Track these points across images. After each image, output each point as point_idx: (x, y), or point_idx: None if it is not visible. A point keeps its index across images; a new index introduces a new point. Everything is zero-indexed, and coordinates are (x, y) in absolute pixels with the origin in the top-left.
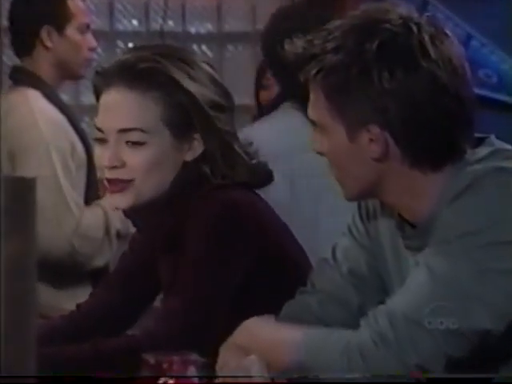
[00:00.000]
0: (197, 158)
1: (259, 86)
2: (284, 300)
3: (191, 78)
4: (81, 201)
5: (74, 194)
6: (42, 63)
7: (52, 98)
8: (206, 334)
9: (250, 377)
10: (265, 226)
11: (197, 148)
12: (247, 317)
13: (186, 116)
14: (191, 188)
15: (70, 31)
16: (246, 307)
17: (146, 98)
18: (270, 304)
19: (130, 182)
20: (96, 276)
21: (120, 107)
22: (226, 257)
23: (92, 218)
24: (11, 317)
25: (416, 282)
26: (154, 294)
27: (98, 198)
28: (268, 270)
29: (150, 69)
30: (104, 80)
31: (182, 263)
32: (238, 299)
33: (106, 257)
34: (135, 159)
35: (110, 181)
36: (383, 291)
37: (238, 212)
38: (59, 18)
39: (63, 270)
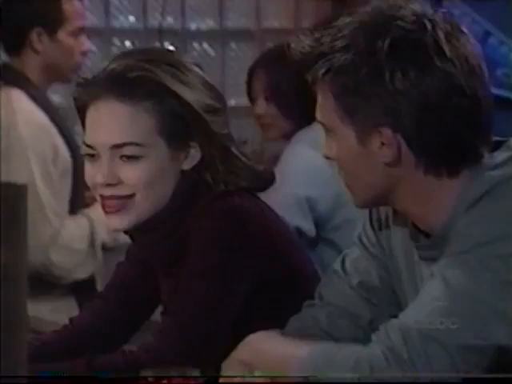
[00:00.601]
0: (195, 166)
1: (250, 98)
2: (290, 314)
3: (182, 82)
4: (63, 209)
5: (53, 203)
6: (31, 65)
7: (38, 99)
8: (208, 349)
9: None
10: (270, 235)
11: (194, 156)
12: (251, 331)
13: (180, 124)
14: (192, 198)
15: (63, 35)
16: (249, 321)
17: (138, 109)
18: (276, 318)
19: (129, 197)
20: (80, 288)
21: (111, 121)
22: (228, 269)
23: (75, 228)
24: (1, 327)
25: (431, 294)
26: (153, 306)
27: (85, 206)
28: (274, 282)
29: (139, 78)
30: (89, 92)
31: (183, 276)
32: (241, 312)
33: (90, 269)
34: (132, 175)
35: (105, 199)
36: (396, 304)
37: (241, 221)
38: (52, 21)
39: (41, 282)
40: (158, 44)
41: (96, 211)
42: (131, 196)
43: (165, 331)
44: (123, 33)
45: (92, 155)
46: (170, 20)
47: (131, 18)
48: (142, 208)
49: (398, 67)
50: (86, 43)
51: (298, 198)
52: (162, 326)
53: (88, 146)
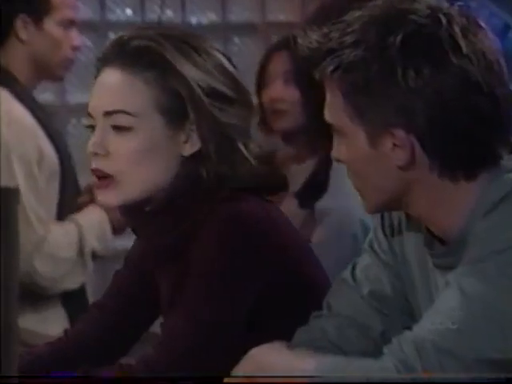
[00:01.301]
0: (194, 154)
1: (260, 82)
2: (299, 324)
3: (192, 62)
4: (49, 215)
5: (37, 208)
6: (16, 57)
7: (23, 98)
8: (210, 362)
9: None
10: (280, 243)
11: (195, 141)
12: (257, 343)
13: (180, 103)
14: (194, 190)
15: (50, 24)
16: (255, 332)
17: (137, 78)
18: (283, 329)
19: (116, 174)
20: (69, 298)
21: (108, 88)
22: (234, 276)
23: (62, 235)
24: None
25: (446, 305)
26: (153, 317)
27: (74, 211)
28: (281, 290)
29: (142, 47)
30: (101, 62)
31: (185, 282)
32: (247, 323)
33: (79, 279)
34: (121, 146)
35: (94, 171)
36: (409, 315)
37: (249, 227)
38: (37, 8)
39: (28, 292)
40: None
41: (85, 217)
42: (117, 174)
43: (164, 341)
44: (120, 27)
45: (92, 126)
46: (169, 13)
47: (128, 11)
48: (130, 186)
49: (410, 64)
50: (78, 38)
51: (353, 217)
52: (161, 336)
53: (88, 114)
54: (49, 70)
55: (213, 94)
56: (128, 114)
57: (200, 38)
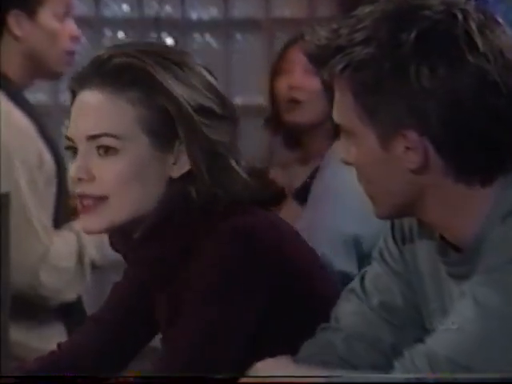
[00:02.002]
0: (183, 175)
1: (276, 69)
2: (305, 338)
3: (177, 78)
4: (49, 223)
5: (42, 216)
6: (11, 56)
7: (17, 99)
8: (212, 378)
9: None
10: (286, 256)
11: (184, 162)
12: (262, 357)
13: (168, 122)
14: (178, 211)
15: (45, 17)
16: (259, 346)
17: (120, 98)
18: (289, 342)
19: (102, 199)
20: (67, 312)
21: (89, 111)
22: (238, 293)
23: (62, 244)
24: None
25: (461, 317)
26: (153, 331)
27: (69, 219)
28: (288, 303)
29: (124, 65)
30: (79, 83)
31: (185, 304)
32: (251, 338)
33: (77, 290)
34: (107, 171)
35: (78, 197)
36: (421, 327)
37: (252, 242)
38: (30, 1)
39: (26, 304)
40: (154, 35)
41: None
42: (103, 198)
43: (164, 359)
44: (116, 23)
45: (73, 150)
46: (168, 8)
47: (125, 7)
48: (116, 210)
49: (424, 62)
50: (75, 28)
51: (345, 237)
52: (162, 353)
53: (68, 138)
54: (47, 67)
55: (201, 110)
56: (113, 136)
57: (181, 52)
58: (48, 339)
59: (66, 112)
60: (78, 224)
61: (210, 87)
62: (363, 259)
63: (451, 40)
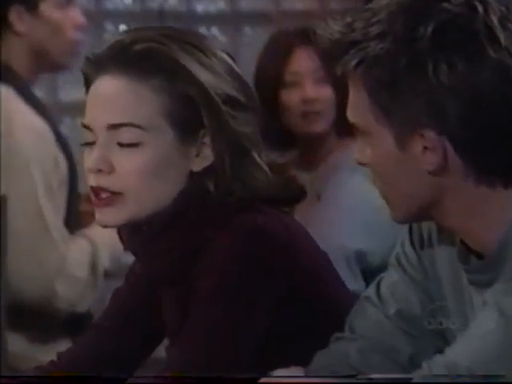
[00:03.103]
0: (204, 168)
1: (278, 82)
2: (318, 348)
3: (201, 64)
4: (64, 229)
5: (59, 223)
6: (15, 52)
7: (27, 96)
8: (227, 378)
9: None
10: (299, 260)
11: (207, 155)
12: (272, 367)
13: (193, 112)
14: (194, 206)
15: (46, 8)
16: (270, 355)
17: (144, 86)
18: (301, 353)
19: (119, 194)
20: (75, 325)
21: (111, 98)
22: (249, 295)
23: (78, 252)
24: None
25: (483, 327)
26: (157, 339)
27: (80, 223)
28: (300, 311)
29: (149, 50)
30: (95, 67)
31: (193, 303)
32: (261, 346)
33: (89, 301)
34: (128, 163)
35: (94, 190)
36: (441, 337)
37: (264, 243)
38: None
39: (39, 317)
40: None
41: (97, 232)
42: (122, 191)
43: (171, 368)
44: (117, 16)
45: (90, 139)
46: (172, 0)
47: None
48: (135, 204)
49: (443, 57)
50: (79, 16)
51: (348, 253)
52: (169, 361)
53: (85, 126)
54: (53, 59)
55: (227, 100)
56: (136, 127)
57: (201, 36)
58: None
59: (65, 109)
60: (91, 230)
61: (234, 74)
62: (371, 274)
63: (471, 34)
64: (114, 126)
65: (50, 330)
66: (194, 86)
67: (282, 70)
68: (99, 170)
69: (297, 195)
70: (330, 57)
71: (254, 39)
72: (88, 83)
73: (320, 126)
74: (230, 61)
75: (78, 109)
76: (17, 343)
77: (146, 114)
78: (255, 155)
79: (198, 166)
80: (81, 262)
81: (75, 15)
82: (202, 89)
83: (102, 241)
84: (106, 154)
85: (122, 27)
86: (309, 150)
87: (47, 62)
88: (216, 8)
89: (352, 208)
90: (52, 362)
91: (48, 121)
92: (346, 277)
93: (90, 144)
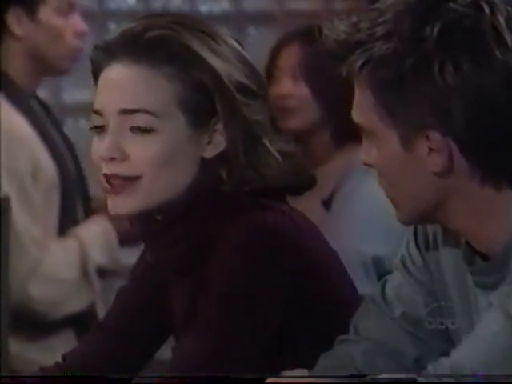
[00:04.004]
0: (216, 155)
1: (268, 78)
2: (323, 350)
3: (213, 51)
4: (48, 232)
5: (32, 228)
6: (13, 58)
7: (17, 101)
8: (236, 378)
9: None
10: (308, 260)
11: (219, 142)
12: (275, 369)
13: (206, 99)
14: (206, 195)
15: (46, 14)
16: (276, 356)
17: (157, 73)
18: (305, 355)
19: (134, 179)
20: (79, 323)
21: (123, 84)
22: (256, 292)
23: (61, 253)
24: None
25: (489, 329)
26: (161, 338)
27: (77, 224)
28: (306, 311)
29: (161, 37)
30: (105, 54)
31: (202, 300)
32: (268, 346)
33: (84, 300)
34: (142, 150)
35: (108, 177)
36: (446, 340)
37: (277, 239)
38: None
39: (24, 320)
40: None
41: (87, 229)
42: (137, 178)
43: (177, 367)
44: (120, 16)
45: (100, 127)
46: (175, 1)
47: None
48: (149, 192)
49: (449, 58)
50: (81, 22)
51: (365, 259)
52: (175, 360)
53: (95, 112)
54: (52, 65)
55: (240, 88)
56: (150, 113)
57: (213, 25)
58: (53, 351)
59: (68, 111)
60: (81, 229)
61: (244, 61)
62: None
63: (477, 35)
64: (126, 111)
65: (46, 330)
66: (207, 73)
67: (271, 65)
68: (113, 159)
69: (307, 182)
70: (336, 57)
71: (258, 39)
72: (96, 71)
73: (294, 122)
74: (239, 48)
75: (82, 110)
76: (11, 344)
77: (158, 100)
78: (267, 143)
79: (209, 152)
80: (66, 263)
81: (76, 22)
82: (216, 76)
83: (93, 237)
84: (119, 141)
85: None
86: (301, 149)
87: (45, 67)
88: (220, 8)
89: (367, 214)
90: (57, 363)
91: (38, 126)
92: (363, 283)
93: (100, 128)
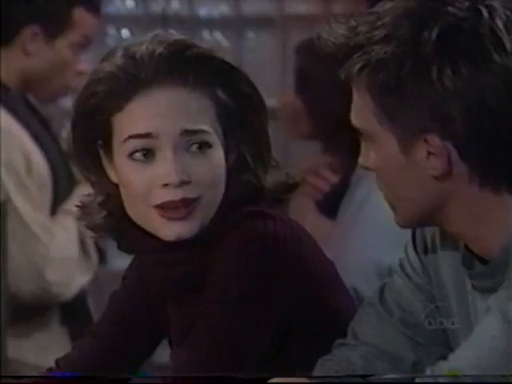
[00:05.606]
0: (232, 163)
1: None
2: (321, 354)
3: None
4: (46, 221)
5: (37, 216)
6: (13, 66)
7: (7, 103)
8: (236, 379)
9: None
10: (307, 267)
11: (232, 150)
12: (275, 373)
13: (231, 112)
14: (241, 205)
15: (61, 44)
16: (276, 363)
17: (202, 92)
18: (304, 359)
19: (196, 200)
20: (72, 322)
21: (179, 106)
22: (256, 301)
23: (62, 233)
24: None
25: (487, 333)
26: (154, 344)
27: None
28: (305, 318)
29: (201, 56)
30: (137, 83)
31: (203, 306)
32: (268, 353)
33: (88, 272)
34: (201, 170)
35: (173, 204)
36: (445, 344)
37: (277, 248)
38: (55, 23)
39: (33, 311)
40: None
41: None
42: (198, 199)
43: (182, 368)
44: (120, 20)
45: (144, 151)
46: (175, 4)
47: (129, 3)
48: (207, 211)
49: (447, 62)
50: (85, 63)
51: (380, 269)
52: (178, 362)
53: (140, 136)
54: (43, 90)
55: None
56: (208, 132)
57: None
58: (47, 351)
59: (66, 115)
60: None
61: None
62: None
63: (476, 38)
64: (188, 132)
65: (46, 332)
66: (249, 84)
67: None
68: (183, 182)
69: (291, 189)
70: (334, 61)
71: (258, 43)
72: (121, 99)
73: (292, 132)
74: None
75: (124, 119)
76: (8, 345)
77: (208, 118)
78: (271, 150)
79: (228, 161)
80: (68, 241)
81: (83, 63)
82: (250, 83)
83: None
84: (183, 163)
85: (125, 31)
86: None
87: (37, 90)
88: (219, 12)
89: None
90: (50, 369)
91: (29, 127)
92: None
93: (143, 155)
